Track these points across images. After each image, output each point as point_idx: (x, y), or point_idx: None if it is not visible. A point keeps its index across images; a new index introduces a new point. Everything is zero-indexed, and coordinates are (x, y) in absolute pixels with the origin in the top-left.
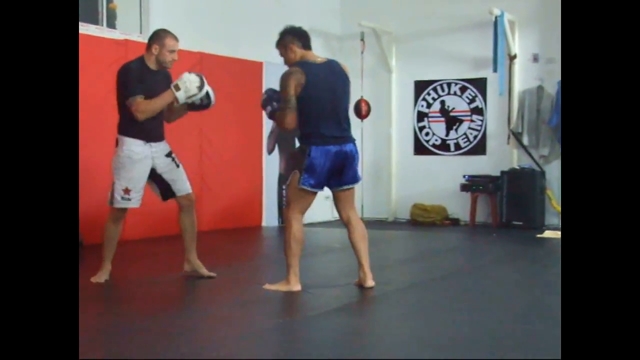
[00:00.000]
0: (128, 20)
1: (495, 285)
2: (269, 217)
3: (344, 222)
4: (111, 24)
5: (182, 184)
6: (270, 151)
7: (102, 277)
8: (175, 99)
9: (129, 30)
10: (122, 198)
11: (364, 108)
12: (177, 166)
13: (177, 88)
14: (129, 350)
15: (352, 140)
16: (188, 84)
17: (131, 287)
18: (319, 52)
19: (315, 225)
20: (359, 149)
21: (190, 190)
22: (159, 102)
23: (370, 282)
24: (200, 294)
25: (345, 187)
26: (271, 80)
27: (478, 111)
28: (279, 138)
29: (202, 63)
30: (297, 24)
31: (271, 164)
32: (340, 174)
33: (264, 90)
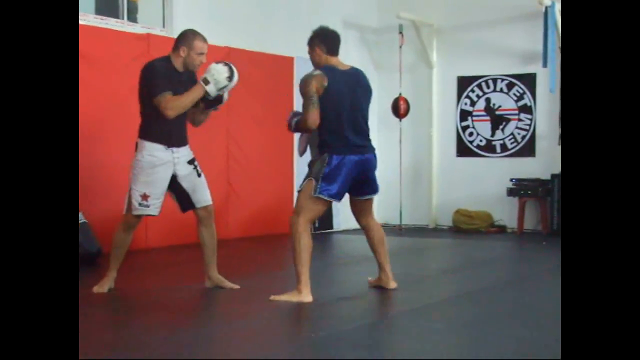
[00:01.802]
0: (150, 13)
1: (545, 299)
2: None
3: (362, 227)
4: (132, 18)
5: (201, 194)
6: (301, 153)
7: (104, 286)
8: (206, 92)
9: (151, 24)
10: (140, 204)
11: (402, 106)
12: (199, 175)
13: (206, 82)
14: None
15: (373, 150)
16: (217, 76)
17: (148, 298)
18: (354, 46)
19: (350, 232)
20: (397, 150)
21: (209, 202)
22: (189, 98)
23: (393, 284)
24: (223, 306)
25: (368, 197)
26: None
27: (526, 109)
28: (311, 140)
29: (229, 58)
30: (330, 16)
31: (302, 168)
32: (363, 184)
33: (294, 85)
